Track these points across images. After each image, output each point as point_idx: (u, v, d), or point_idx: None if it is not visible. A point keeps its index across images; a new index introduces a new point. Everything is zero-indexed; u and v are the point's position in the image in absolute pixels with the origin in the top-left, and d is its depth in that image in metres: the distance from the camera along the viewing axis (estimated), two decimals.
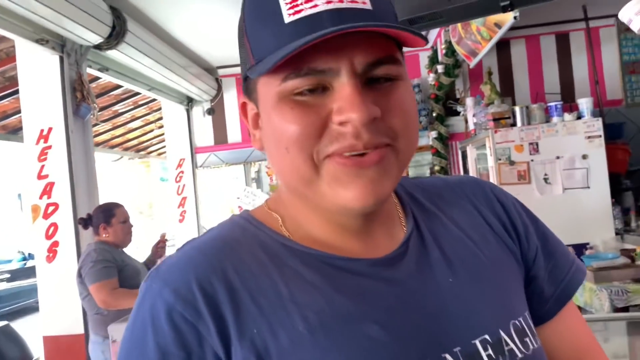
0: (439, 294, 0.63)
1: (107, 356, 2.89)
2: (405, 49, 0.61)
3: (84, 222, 3.13)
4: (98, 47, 3.54)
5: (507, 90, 5.01)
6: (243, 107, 0.67)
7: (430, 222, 0.70)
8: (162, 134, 7.73)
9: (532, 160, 3.92)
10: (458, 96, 5.29)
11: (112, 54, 3.73)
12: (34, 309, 8.43)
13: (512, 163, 3.93)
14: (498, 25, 3.09)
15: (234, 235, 0.65)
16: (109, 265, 2.92)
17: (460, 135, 5.23)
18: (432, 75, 5.25)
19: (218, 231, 0.67)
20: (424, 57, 5.53)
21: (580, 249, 3.58)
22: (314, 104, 0.56)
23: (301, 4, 0.55)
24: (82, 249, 3.27)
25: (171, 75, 4.62)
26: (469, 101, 4.79)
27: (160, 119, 6.84)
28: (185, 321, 0.57)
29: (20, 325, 6.75)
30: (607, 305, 2.94)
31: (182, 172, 5.89)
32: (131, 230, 3.20)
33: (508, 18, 2.79)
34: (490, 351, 0.61)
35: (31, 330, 5.67)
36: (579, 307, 2.53)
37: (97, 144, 7.28)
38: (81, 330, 3.34)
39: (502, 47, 5.00)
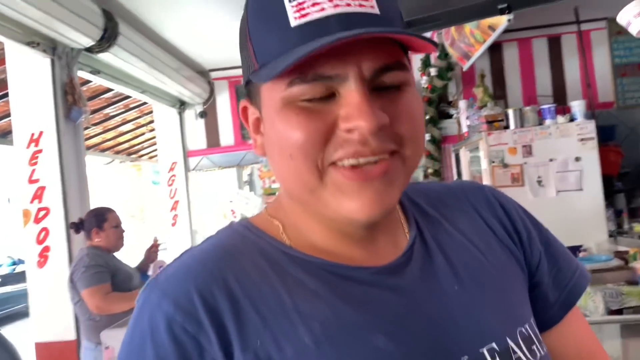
0: (445, 302, 0.62)
1: None
2: None
3: (75, 227, 3.10)
4: (89, 50, 3.50)
5: (499, 93, 5.03)
6: (244, 111, 0.65)
7: (433, 228, 0.69)
8: (154, 137, 7.69)
9: (525, 163, 3.93)
10: (451, 99, 5.30)
11: (103, 56, 3.69)
12: (23, 314, 8.35)
13: (505, 166, 3.94)
14: (492, 28, 3.09)
15: (234, 243, 0.63)
16: (102, 270, 2.90)
17: (454, 137, 5.24)
18: (425, 78, 5.26)
19: (217, 239, 0.65)
20: (416, 59, 5.54)
21: (573, 251, 3.59)
22: (319, 110, 0.55)
23: (307, 7, 0.53)
24: (74, 254, 3.24)
25: (163, 78, 4.59)
26: (462, 104, 4.80)
27: (152, 122, 6.80)
28: (186, 333, 0.55)
29: (9, 331, 6.68)
30: (601, 307, 2.94)
31: (174, 175, 5.85)
32: (123, 235, 3.17)
33: (502, 21, 2.79)
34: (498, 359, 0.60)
35: (21, 336, 5.60)
36: None
37: (88, 148, 7.22)
38: (73, 337, 3.31)
39: (495, 50, 5.01)
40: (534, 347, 0.64)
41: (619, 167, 4.37)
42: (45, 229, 3.36)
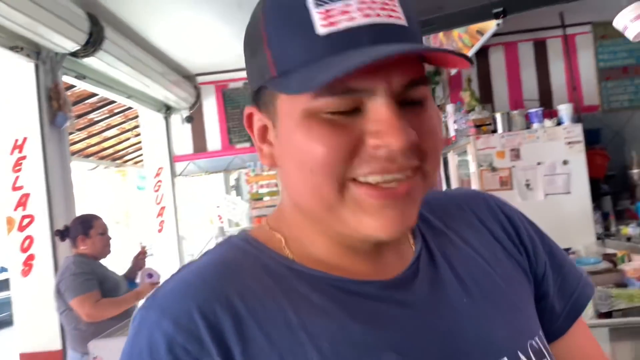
0: (455, 316, 0.60)
1: None
2: None
3: (60, 234, 3.05)
4: (74, 54, 3.45)
5: (486, 96, 5.05)
6: (249, 119, 0.62)
7: (438, 239, 0.67)
8: (139, 143, 7.63)
9: (513, 167, 3.95)
10: (438, 103, 5.31)
11: (89, 61, 3.65)
12: (6, 322, 8.21)
13: (494, 169, 3.95)
14: (480, 33, 3.10)
15: (235, 257, 0.60)
16: (90, 278, 2.86)
17: None
18: None
19: (216, 253, 0.62)
20: None
21: None
22: (345, 124, 0.52)
23: (336, 15, 0.50)
24: (59, 262, 3.19)
25: (149, 83, 4.55)
26: (450, 108, 4.81)
27: (137, 127, 6.74)
28: (188, 354, 0.52)
29: None
30: (590, 310, 2.95)
31: (160, 181, 5.79)
32: (110, 242, 3.13)
33: (490, 25, 2.79)
34: None
35: (5, 345, 5.50)
36: None
37: (72, 153, 7.13)
38: (59, 346, 3.25)
39: (481, 54, 5.03)
40: None
41: (605, 170, 4.42)
42: (29, 237, 3.30)
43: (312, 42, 0.51)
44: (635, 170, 4.53)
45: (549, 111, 4.24)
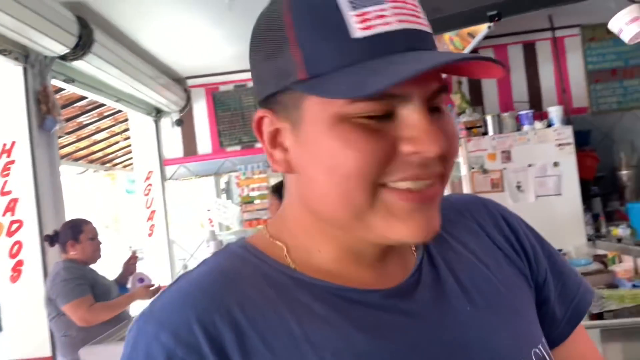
0: (459, 325, 0.59)
1: None
2: None
3: (50, 240, 3.02)
4: (63, 57, 3.41)
5: (476, 99, 5.07)
6: (259, 123, 0.59)
7: (440, 246, 0.66)
8: (128, 146, 7.57)
9: (504, 169, 3.97)
10: None
11: (78, 64, 3.61)
12: None
13: (485, 171, 3.97)
14: (471, 35, 3.11)
15: (234, 266, 0.59)
16: (81, 283, 2.84)
17: None
18: None
19: (215, 262, 0.60)
20: None
21: None
22: (378, 130, 0.51)
23: (373, 19, 0.50)
24: (49, 267, 3.15)
25: (139, 86, 4.51)
26: None
27: (126, 130, 6.69)
28: None
29: None
30: None
31: (150, 185, 5.75)
32: (100, 247, 3.10)
33: (482, 28, 2.81)
34: None
35: None
36: None
37: (61, 157, 7.08)
38: (48, 353, 3.20)
39: None
40: None
41: (595, 172, 4.45)
42: (18, 242, 3.26)
43: (347, 45, 0.50)
44: (624, 172, 4.57)
45: (539, 113, 4.27)
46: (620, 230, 3.78)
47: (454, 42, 3.42)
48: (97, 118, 6.65)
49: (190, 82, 5.59)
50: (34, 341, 3.23)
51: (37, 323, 3.15)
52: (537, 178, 3.93)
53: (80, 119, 6.36)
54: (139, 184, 5.82)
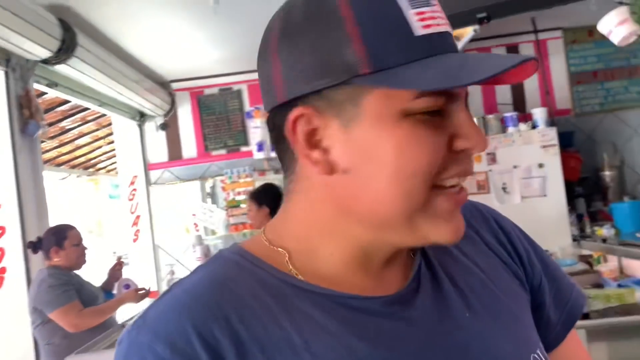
0: (459, 331, 0.59)
1: None
2: None
3: (33, 246, 2.97)
4: (46, 61, 3.37)
5: None
6: (294, 123, 0.55)
7: (437, 251, 0.66)
8: (112, 150, 7.49)
9: (490, 170, 3.99)
10: None
11: (61, 68, 3.56)
12: None
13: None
14: (457, 38, 3.12)
15: (229, 274, 0.57)
16: (68, 289, 2.80)
17: None
18: None
19: (209, 270, 0.58)
20: None
21: None
22: (437, 126, 0.52)
23: (428, 18, 0.51)
24: (32, 275, 3.10)
25: (123, 90, 4.46)
26: None
27: (110, 134, 6.62)
28: None
29: None
30: None
31: (134, 189, 5.69)
32: (85, 253, 3.07)
33: (467, 31, 2.83)
34: None
35: None
36: None
37: (44, 162, 6.99)
38: None
39: None
40: None
41: (579, 173, 4.49)
42: (1, 249, 3.20)
43: (410, 42, 0.51)
44: (606, 173, 4.63)
45: (523, 115, 4.30)
46: (605, 231, 3.82)
47: None
48: (80, 122, 6.57)
49: (174, 85, 5.55)
50: (17, 350, 3.17)
51: (20, 331, 3.09)
52: (522, 179, 3.96)
53: (63, 123, 6.29)
54: (124, 189, 5.76)
